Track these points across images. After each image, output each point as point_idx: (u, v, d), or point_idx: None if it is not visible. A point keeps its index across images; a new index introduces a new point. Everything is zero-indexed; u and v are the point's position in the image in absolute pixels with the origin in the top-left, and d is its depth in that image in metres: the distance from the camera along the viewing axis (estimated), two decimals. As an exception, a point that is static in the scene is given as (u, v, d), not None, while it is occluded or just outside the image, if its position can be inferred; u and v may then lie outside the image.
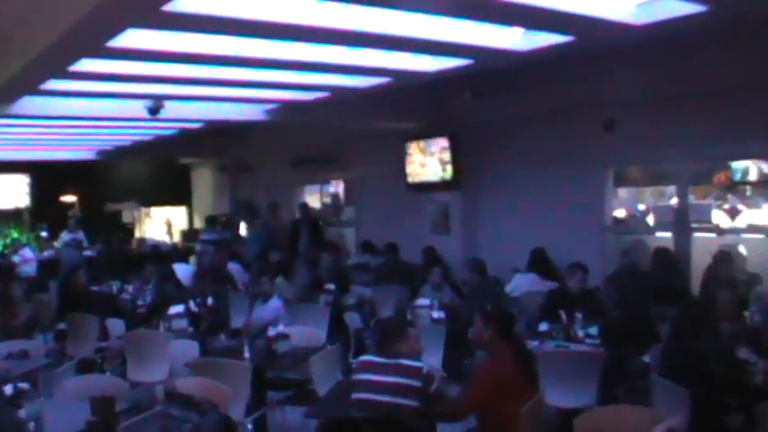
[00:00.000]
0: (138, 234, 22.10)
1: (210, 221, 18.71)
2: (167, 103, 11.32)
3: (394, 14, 7.39)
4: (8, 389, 5.79)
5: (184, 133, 16.64)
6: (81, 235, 18.19)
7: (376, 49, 8.75)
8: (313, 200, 19.15)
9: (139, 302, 10.98)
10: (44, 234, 19.86)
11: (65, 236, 18.05)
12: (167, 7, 6.21)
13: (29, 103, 10.86)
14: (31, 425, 5.35)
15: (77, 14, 6.24)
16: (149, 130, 16.26)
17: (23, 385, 5.97)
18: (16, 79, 8.84)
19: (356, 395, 5.69)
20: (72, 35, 6.71)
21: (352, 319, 10.24)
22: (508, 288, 10.67)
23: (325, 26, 7.30)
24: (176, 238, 22.28)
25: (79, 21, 6.30)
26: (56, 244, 18.38)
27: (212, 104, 12.30)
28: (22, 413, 5.46)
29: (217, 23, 7.01)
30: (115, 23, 6.69)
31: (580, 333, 8.09)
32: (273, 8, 6.88)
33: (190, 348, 8.13)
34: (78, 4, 6.15)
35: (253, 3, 6.77)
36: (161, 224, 23.02)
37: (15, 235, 19.35)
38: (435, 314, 9.43)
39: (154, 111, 11.13)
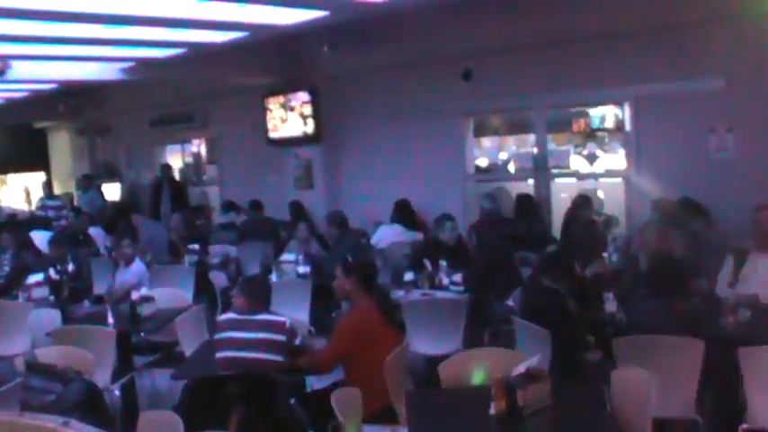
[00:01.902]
0: (-6, 202, 21.34)
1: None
2: (16, 64, 10.90)
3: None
4: None
5: (38, 95, 16.07)
6: None
7: (231, 2, 8.58)
8: (175, 160, 18.82)
9: (-5, 273, 10.62)
10: None
11: None
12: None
13: None
14: None
15: None
16: (-1, 93, 15.66)
17: None
18: None
19: (221, 353, 5.65)
20: None
21: (219, 278, 10.16)
22: (373, 240, 10.74)
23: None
24: (34, 204, 21.57)
25: None
26: None
27: (65, 64, 11.88)
28: None
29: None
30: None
31: (445, 281, 8.21)
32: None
33: (51, 317, 7.92)
34: None
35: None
36: (18, 191, 22.24)
37: None
38: (301, 269, 9.47)
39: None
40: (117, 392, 7.08)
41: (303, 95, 13.17)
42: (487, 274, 8.14)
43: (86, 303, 8.71)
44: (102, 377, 6.40)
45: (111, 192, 18.44)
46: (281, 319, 5.73)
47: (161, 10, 8.37)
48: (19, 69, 11.00)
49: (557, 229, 10.68)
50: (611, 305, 6.52)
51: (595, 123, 13.55)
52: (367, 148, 13.11)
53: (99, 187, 18.04)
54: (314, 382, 6.37)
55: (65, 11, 7.98)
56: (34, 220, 15.88)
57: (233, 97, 14.95)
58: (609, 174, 12.09)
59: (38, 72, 11.91)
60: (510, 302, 7.34)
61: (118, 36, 9.71)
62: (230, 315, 5.90)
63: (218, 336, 5.80)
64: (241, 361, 5.54)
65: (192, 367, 6.25)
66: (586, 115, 13.43)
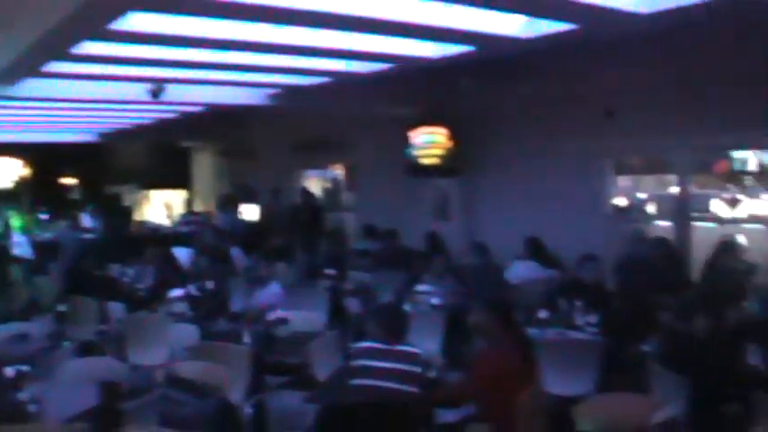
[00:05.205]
0: (137, 217, 22.03)
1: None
2: (169, 87, 11.32)
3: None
4: (9, 371, 5.82)
5: (185, 117, 16.61)
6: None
7: (379, 34, 8.73)
8: (314, 185, 19.13)
9: (139, 286, 10.97)
10: (44, 217, 19.87)
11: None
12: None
13: (30, 86, 10.82)
14: (32, 407, 5.39)
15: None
16: (150, 114, 16.24)
17: (24, 368, 6.00)
18: (18, 61, 8.83)
19: (356, 381, 5.71)
20: (73, 18, 6.69)
21: (352, 305, 10.25)
22: (507, 275, 10.66)
23: (328, 11, 7.27)
24: (176, 221, 22.20)
25: (81, 3, 6.28)
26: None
27: (214, 88, 12.28)
28: (22, 395, 5.50)
29: (218, 8, 7.02)
30: (116, 6, 6.65)
31: (580, 321, 8.10)
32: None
33: (189, 332, 8.15)
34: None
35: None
36: (161, 207, 22.94)
37: (17, 223, 19.06)
38: (435, 300, 9.43)
39: (155, 94, 11.13)
40: (249, 410, 7.21)
41: (444, 128, 13.23)
42: (626, 317, 8.01)
43: (222, 321, 8.90)
44: (235, 394, 6.54)
45: (250, 213, 18.83)
46: (417, 350, 5.76)
47: (310, 40, 8.57)
48: (171, 92, 11.42)
49: (696, 274, 10.41)
50: (753, 357, 6.33)
51: (737, 166, 13.22)
52: (505, 183, 13.06)
53: (238, 208, 18.46)
54: (444, 416, 6.37)
55: (216, 38, 8.27)
56: (176, 237, 16.38)
57: (374, 126, 15.07)
58: (751, 219, 11.75)
59: (188, 95, 12.34)
60: (646, 347, 7.20)
61: (266, 63, 9.99)
62: (367, 343, 5.95)
63: (354, 363, 5.85)
64: (376, 390, 5.58)
65: (327, 392, 6.32)
66: (728, 157, 13.11)
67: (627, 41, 9.54)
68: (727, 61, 9.49)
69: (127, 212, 21.73)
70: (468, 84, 11.21)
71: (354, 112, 14.74)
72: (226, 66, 10.10)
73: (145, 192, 23.09)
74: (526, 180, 12.67)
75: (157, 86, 11.07)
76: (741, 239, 10.95)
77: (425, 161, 13.59)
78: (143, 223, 20.45)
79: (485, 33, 8.46)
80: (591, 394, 6.48)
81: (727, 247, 9.83)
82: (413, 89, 12.41)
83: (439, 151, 13.34)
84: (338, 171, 18.95)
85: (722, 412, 5.79)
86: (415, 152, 13.71)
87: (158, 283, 10.61)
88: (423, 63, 10.08)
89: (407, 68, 10.56)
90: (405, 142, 13.82)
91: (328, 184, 19.42)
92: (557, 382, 7.05)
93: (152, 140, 22.13)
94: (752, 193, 13.72)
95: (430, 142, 13.41)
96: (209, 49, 9.12)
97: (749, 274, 9.50)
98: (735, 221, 12.46)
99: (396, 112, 13.73)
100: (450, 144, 13.19)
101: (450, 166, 13.30)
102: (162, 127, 18.15)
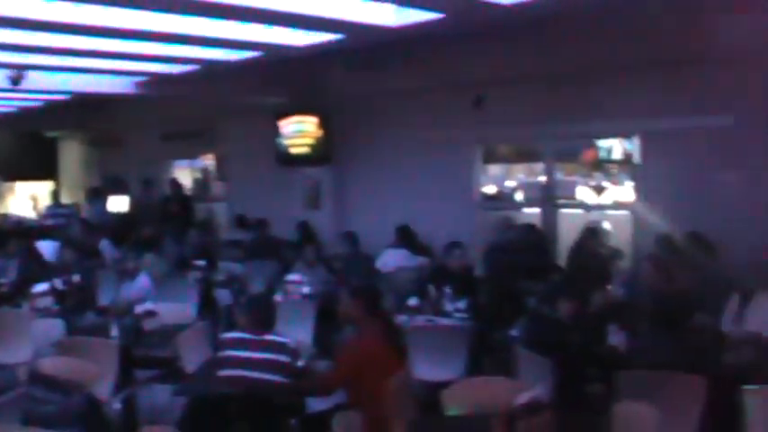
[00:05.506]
0: (0, 209, 21.31)
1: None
2: (31, 74, 10.97)
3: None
4: None
5: (50, 105, 16.13)
6: None
7: (247, 22, 8.64)
8: (184, 175, 18.83)
9: (1, 281, 10.61)
10: None
11: None
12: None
13: None
14: None
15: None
16: (12, 101, 15.70)
17: None
18: None
19: (224, 372, 5.66)
20: None
21: (222, 296, 10.15)
22: (378, 263, 10.74)
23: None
24: (41, 213, 21.54)
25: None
26: None
27: (79, 76, 11.95)
28: None
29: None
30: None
31: (449, 307, 8.20)
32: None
33: (55, 327, 7.92)
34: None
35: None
36: (26, 199, 22.24)
37: None
38: (306, 289, 9.42)
39: (15, 81, 10.78)
40: (117, 405, 7.07)
41: (314, 117, 13.23)
42: (493, 302, 8.15)
43: (89, 315, 8.70)
44: (103, 390, 6.40)
45: (120, 204, 18.41)
46: (285, 339, 5.75)
47: (177, 27, 8.43)
48: (33, 79, 11.08)
49: (562, 259, 10.67)
50: (614, 338, 6.53)
51: (603, 155, 13.58)
52: (376, 172, 13.13)
53: (107, 199, 18.04)
54: (314, 404, 6.37)
55: (80, 24, 8.04)
56: (41, 229, 15.90)
57: (244, 115, 14.97)
58: (616, 206, 12.11)
59: (51, 83, 11.98)
60: (513, 332, 7.34)
61: (132, 50, 9.78)
62: (235, 334, 5.91)
63: (221, 354, 5.81)
64: (244, 380, 5.55)
65: (194, 384, 6.25)
66: (594, 146, 13.45)
67: (495, 31, 9.70)
68: (592, 51, 9.75)
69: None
70: (338, 72, 11.23)
71: (224, 100, 14.62)
72: (90, 52, 9.83)
73: (8, 183, 22.29)
74: (397, 168, 12.77)
75: (17, 73, 10.72)
76: (606, 225, 11.26)
77: (295, 150, 13.58)
78: (6, 216, 19.78)
79: (354, 22, 8.47)
80: (460, 379, 6.57)
81: (592, 233, 10.10)
82: (283, 78, 12.35)
83: (309, 140, 13.34)
84: (208, 161, 18.70)
85: (586, 392, 5.95)
86: (286, 141, 13.68)
87: (22, 277, 10.29)
88: (292, 51, 10.03)
89: (277, 57, 10.49)
90: (275, 131, 13.76)
91: (198, 175, 19.15)
92: (427, 368, 7.15)
93: (15, 130, 21.39)
94: (617, 181, 14.13)
95: (300, 131, 13.41)
96: (72, 35, 8.86)
97: (613, 259, 9.81)
98: (600, 208, 12.80)
99: (266, 101, 13.66)
100: (320, 133, 13.21)
101: (321, 155, 13.33)
102: (25, 115, 17.61)
